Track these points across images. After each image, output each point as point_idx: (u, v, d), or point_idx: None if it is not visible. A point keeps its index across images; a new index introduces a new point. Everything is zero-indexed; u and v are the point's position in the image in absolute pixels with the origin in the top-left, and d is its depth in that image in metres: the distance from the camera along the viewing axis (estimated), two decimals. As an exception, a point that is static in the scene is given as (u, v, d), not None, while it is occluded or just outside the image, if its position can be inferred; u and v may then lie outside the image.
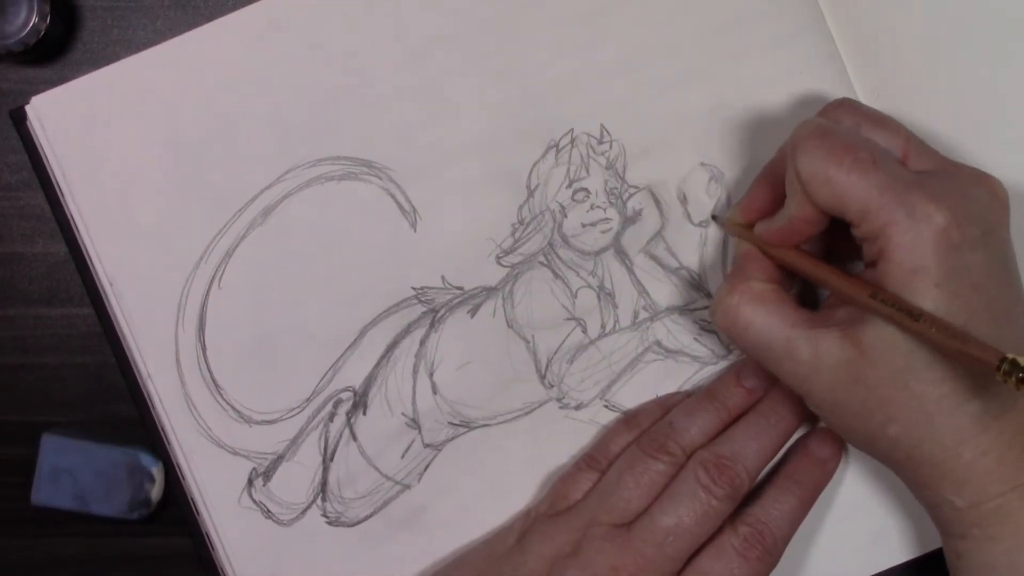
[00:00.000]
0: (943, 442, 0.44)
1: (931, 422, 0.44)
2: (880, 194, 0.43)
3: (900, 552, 0.55)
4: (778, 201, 0.49)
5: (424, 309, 0.53)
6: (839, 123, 0.47)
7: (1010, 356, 0.39)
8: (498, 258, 0.54)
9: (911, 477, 0.47)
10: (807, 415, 0.52)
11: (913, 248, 0.43)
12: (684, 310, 0.54)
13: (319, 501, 0.53)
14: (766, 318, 0.47)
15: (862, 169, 0.44)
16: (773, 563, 0.50)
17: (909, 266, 0.43)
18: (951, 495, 0.45)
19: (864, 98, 0.54)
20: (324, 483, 0.53)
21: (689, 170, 0.54)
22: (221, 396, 0.53)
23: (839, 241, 0.49)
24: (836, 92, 0.54)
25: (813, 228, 0.47)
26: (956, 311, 0.43)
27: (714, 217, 0.54)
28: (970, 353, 0.41)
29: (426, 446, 0.54)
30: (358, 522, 0.53)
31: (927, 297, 0.43)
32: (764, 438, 0.51)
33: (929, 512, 0.48)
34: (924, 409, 0.44)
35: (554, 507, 0.51)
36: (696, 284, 0.54)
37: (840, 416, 0.46)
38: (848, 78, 0.54)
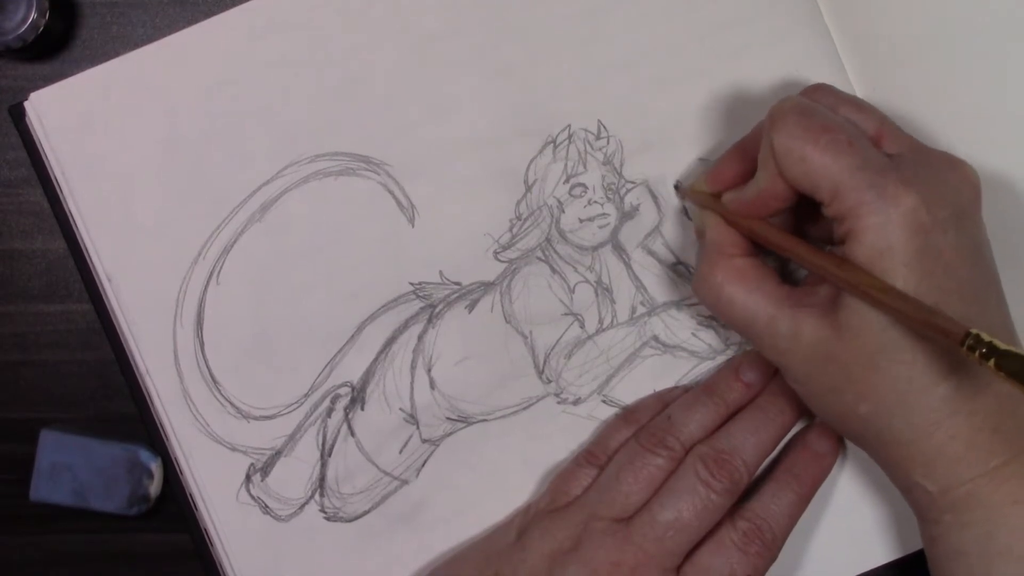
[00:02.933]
0: (913, 422, 0.45)
1: (902, 402, 0.44)
2: (851, 175, 0.44)
3: (897, 548, 0.55)
4: (747, 174, 0.49)
5: (422, 304, 0.54)
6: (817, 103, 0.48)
7: (974, 331, 0.39)
8: (496, 253, 0.54)
9: (883, 458, 0.47)
10: (805, 410, 0.52)
11: (882, 229, 0.43)
12: (681, 305, 0.54)
13: (317, 496, 0.53)
14: (748, 295, 0.48)
15: (836, 149, 0.44)
16: (772, 557, 0.50)
17: (878, 246, 0.43)
18: (921, 479, 0.46)
19: (862, 95, 0.54)
20: (322, 478, 0.53)
21: (686, 166, 0.54)
22: (219, 392, 0.53)
23: (805, 218, 0.50)
24: (834, 87, 0.54)
25: (782, 203, 0.47)
26: (925, 291, 0.43)
27: (676, 186, 0.54)
28: (936, 324, 0.41)
29: (424, 441, 0.54)
30: (356, 517, 0.53)
31: (896, 276, 0.43)
32: (763, 432, 0.51)
33: (904, 496, 0.48)
34: (895, 389, 0.44)
35: (554, 503, 0.51)
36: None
37: (814, 392, 0.47)
38: (846, 75, 0.54)
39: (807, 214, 0.50)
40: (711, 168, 0.51)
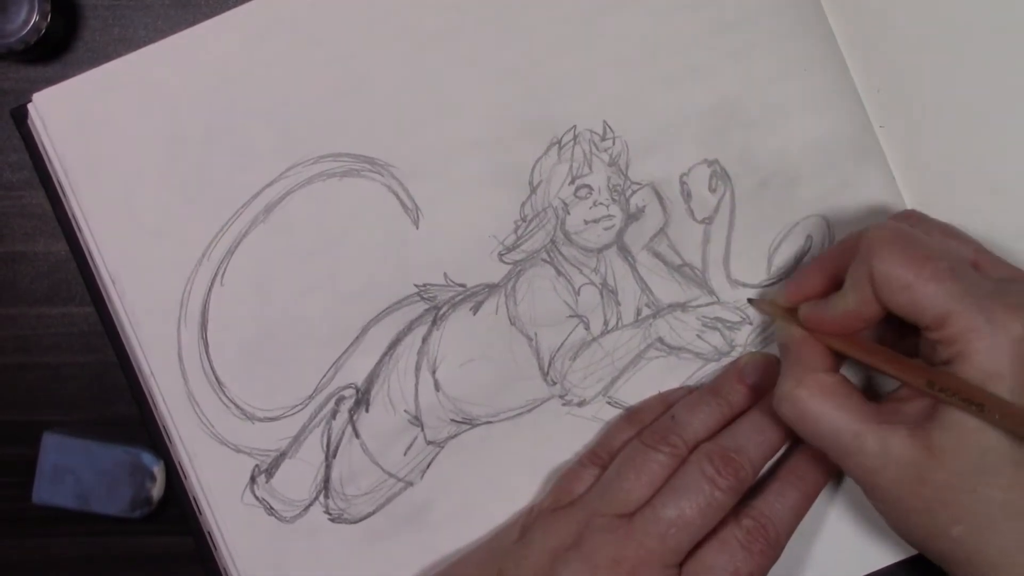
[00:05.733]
0: (1005, 548, 0.44)
1: (995, 527, 0.44)
2: (959, 301, 0.44)
3: (901, 550, 0.55)
4: (828, 289, 0.50)
5: (426, 306, 0.53)
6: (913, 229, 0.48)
7: None
8: (500, 255, 0.54)
9: None
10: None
11: (991, 354, 0.43)
12: (687, 307, 0.54)
13: (322, 498, 0.53)
14: (835, 412, 0.47)
15: (941, 277, 0.44)
16: (775, 556, 0.50)
17: (987, 370, 0.43)
18: None
19: (866, 95, 0.54)
20: (327, 480, 0.53)
21: (692, 167, 0.54)
22: (224, 393, 0.53)
23: (889, 327, 0.50)
24: (838, 89, 0.54)
25: (870, 323, 0.47)
26: None
27: (750, 300, 0.54)
28: None
29: (428, 443, 0.54)
30: (361, 519, 0.53)
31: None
32: (768, 433, 0.51)
33: None
34: (990, 513, 0.44)
35: (557, 502, 0.52)
36: (699, 281, 0.54)
37: (903, 513, 0.46)
38: (849, 75, 0.54)
39: (888, 328, 0.50)
40: (789, 283, 0.52)
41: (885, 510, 0.47)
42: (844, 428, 0.46)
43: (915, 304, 0.45)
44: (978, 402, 0.43)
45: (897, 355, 0.48)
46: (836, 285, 0.49)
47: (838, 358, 0.50)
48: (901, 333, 0.50)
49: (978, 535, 0.45)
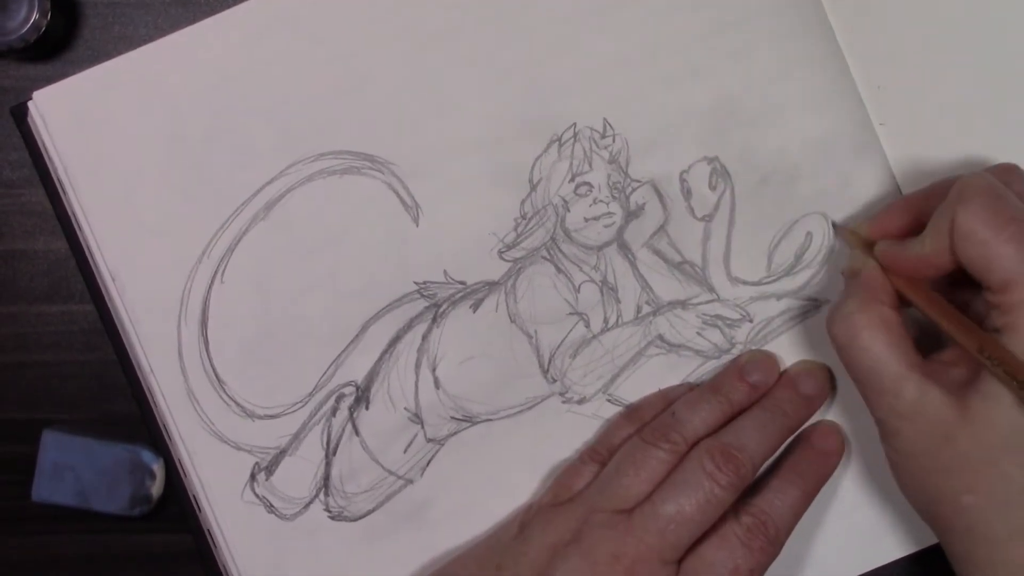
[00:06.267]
0: (1012, 527, 0.44)
1: (1008, 505, 0.44)
2: None
3: (900, 547, 0.55)
4: (911, 229, 0.49)
5: (426, 304, 0.53)
6: (1008, 186, 0.47)
7: None
8: (500, 253, 0.54)
9: (963, 553, 0.46)
10: (810, 413, 0.52)
11: None
12: (687, 304, 0.54)
13: (322, 496, 0.53)
14: (886, 348, 0.47)
15: (1019, 242, 0.44)
16: (775, 553, 0.50)
17: None
18: None
19: (866, 94, 0.54)
20: (327, 478, 0.53)
21: (692, 164, 0.54)
22: (224, 391, 0.53)
23: (953, 285, 0.49)
24: (838, 87, 0.54)
25: (939, 272, 0.47)
26: None
27: (834, 224, 0.54)
28: None
29: (429, 441, 0.54)
30: (361, 517, 0.53)
31: None
32: (768, 430, 0.51)
33: None
34: (1006, 490, 0.44)
35: (556, 498, 0.52)
36: (699, 278, 0.54)
37: (918, 469, 0.46)
38: (849, 73, 0.54)
39: (957, 285, 0.49)
40: (875, 216, 0.51)
41: (900, 461, 0.47)
42: (889, 366, 0.46)
43: (987, 262, 0.44)
44: (1020, 379, 0.43)
45: (957, 312, 0.47)
46: (918, 227, 0.48)
47: (901, 302, 0.49)
48: (956, 291, 0.49)
49: (989, 509, 0.45)
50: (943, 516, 0.46)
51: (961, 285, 0.48)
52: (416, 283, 0.53)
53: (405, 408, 0.54)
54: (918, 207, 0.50)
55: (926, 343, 0.49)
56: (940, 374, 0.47)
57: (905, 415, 0.46)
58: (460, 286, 0.54)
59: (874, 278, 0.49)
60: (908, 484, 0.48)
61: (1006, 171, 0.49)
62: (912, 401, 0.46)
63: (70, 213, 0.53)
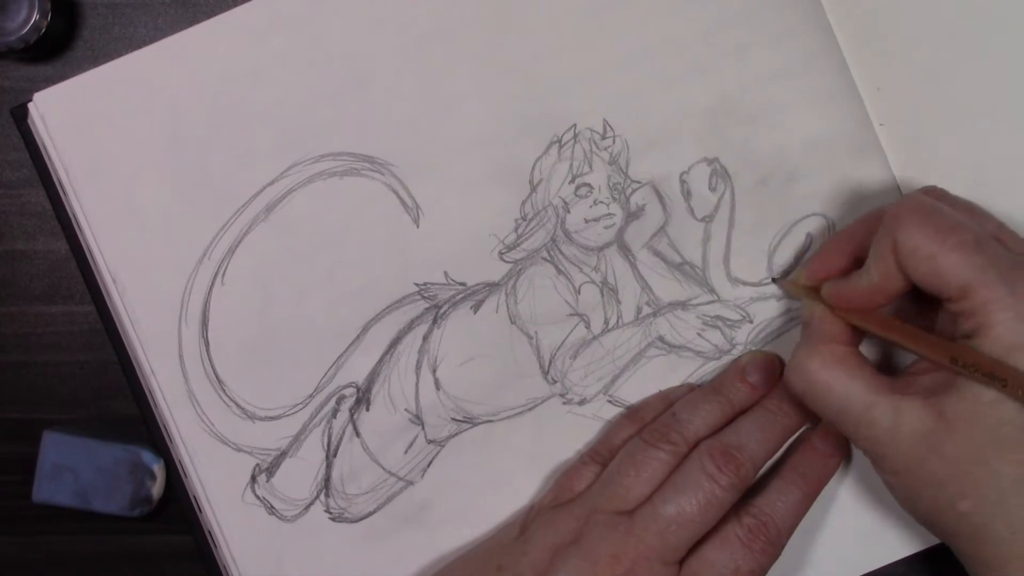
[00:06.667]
0: (1013, 523, 0.44)
1: (1004, 502, 0.44)
2: (983, 272, 0.44)
3: (900, 547, 0.55)
4: (849, 266, 0.50)
5: (427, 305, 0.53)
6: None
7: None
8: (501, 254, 0.54)
9: (973, 556, 0.46)
10: (811, 414, 0.52)
11: (1013, 325, 0.43)
12: (687, 305, 0.54)
13: (322, 497, 0.53)
14: (846, 382, 0.47)
15: (965, 248, 0.44)
16: (776, 554, 0.50)
17: (1008, 342, 0.43)
18: None
19: (866, 94, 0.54)
20: (327, 479, 0.53)
21: (692, 165, 0.54)
22: (224, 392, 0.53)
23: (908, 303, 0.50)
24: (837, 87, 0.54)
25: (892, 298, 0.47)
26: None
27: (774, 279, 0.54)
28: None
29: (429, 442, 0.54)
30: (361, 518, 0.53)
31: None
32: (769, 431, 0.51)
33: None
34: (1000, 488, 0.44)
35: (557, 499, 0.52)
36: (699, 279, 0.54)
37: (911, 485, 0.46)
38: (849, 73, 0.54)
39: (918, 306, 0.50)
40: (809, 261, 0.52)
41: (894, 483, 0.47)
42: (855, 398, 0.46)
43: (939, 274, 0.45)
44: (1001, 377, 0.43)
45: (919, 331, 0.48)
46: (856, 263, 0.49)
47: (859, 335, 0.50)
48: (919, 311, 0.50)
49: (986, 510, 0.44)
50: (945, 525, 0.46)
51: (921, 304, 0.49)
52: (416, 284, 0.53)
53: (406, 409, 0.54)
54: (852, 242, 0.50)
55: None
56: (911, 386, 0.47)
57: (884, 441, 0.46)
58: (460, 287, 0.54)
59: (821, 320, 0.50)
60: (906, 501, 0.48)
61: (930, 192, 0.50)
62: (887, 427, 0.46)
63: (70, 214, 0.53)
